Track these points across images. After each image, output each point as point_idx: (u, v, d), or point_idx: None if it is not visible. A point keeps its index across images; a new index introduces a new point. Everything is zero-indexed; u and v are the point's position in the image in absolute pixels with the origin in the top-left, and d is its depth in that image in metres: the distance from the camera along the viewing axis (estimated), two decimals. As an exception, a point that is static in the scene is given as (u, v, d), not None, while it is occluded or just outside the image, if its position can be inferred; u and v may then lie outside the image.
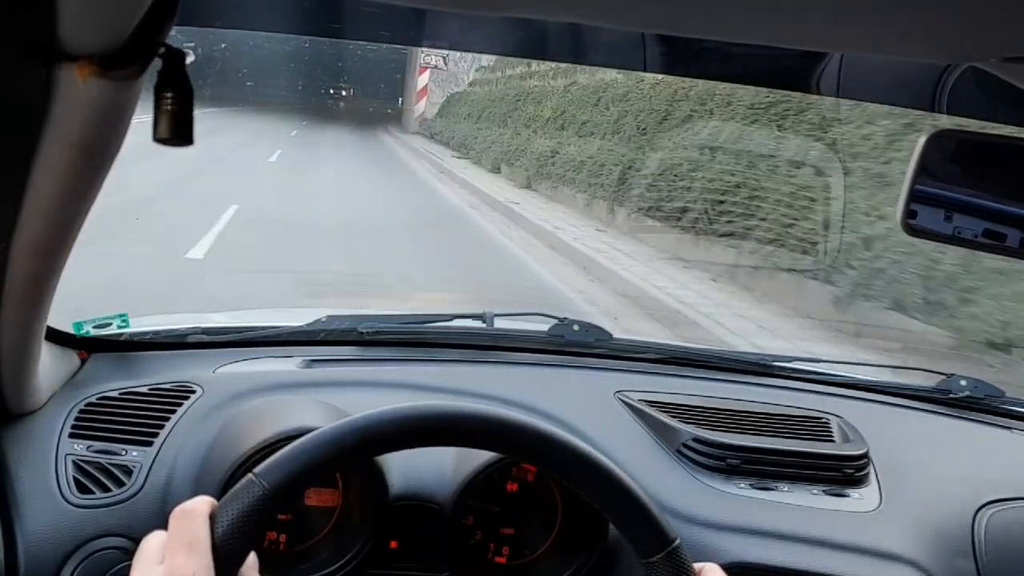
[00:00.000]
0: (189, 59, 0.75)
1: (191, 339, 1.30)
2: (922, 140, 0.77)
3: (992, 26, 0.50)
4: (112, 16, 0.64)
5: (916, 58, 0.72)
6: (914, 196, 0.76)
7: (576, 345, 1.41)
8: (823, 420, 1.27)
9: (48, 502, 0.95)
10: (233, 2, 0.98)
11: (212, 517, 0.63)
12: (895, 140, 5.65)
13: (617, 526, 0.75)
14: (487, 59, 20.60)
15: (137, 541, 0.93)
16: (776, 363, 1.45)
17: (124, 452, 1.01)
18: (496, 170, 14.53)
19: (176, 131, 0.70)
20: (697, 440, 1.17)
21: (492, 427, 0.73)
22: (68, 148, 0.72)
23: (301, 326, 1.36)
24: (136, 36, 0.67)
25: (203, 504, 0.64)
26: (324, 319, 1.37)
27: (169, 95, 0.70)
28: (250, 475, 0.66)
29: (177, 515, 0.63)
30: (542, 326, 1.44)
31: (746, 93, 7.51)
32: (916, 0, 0.47)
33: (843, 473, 1.17)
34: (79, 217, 0.83)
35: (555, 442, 0.73)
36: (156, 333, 1.29)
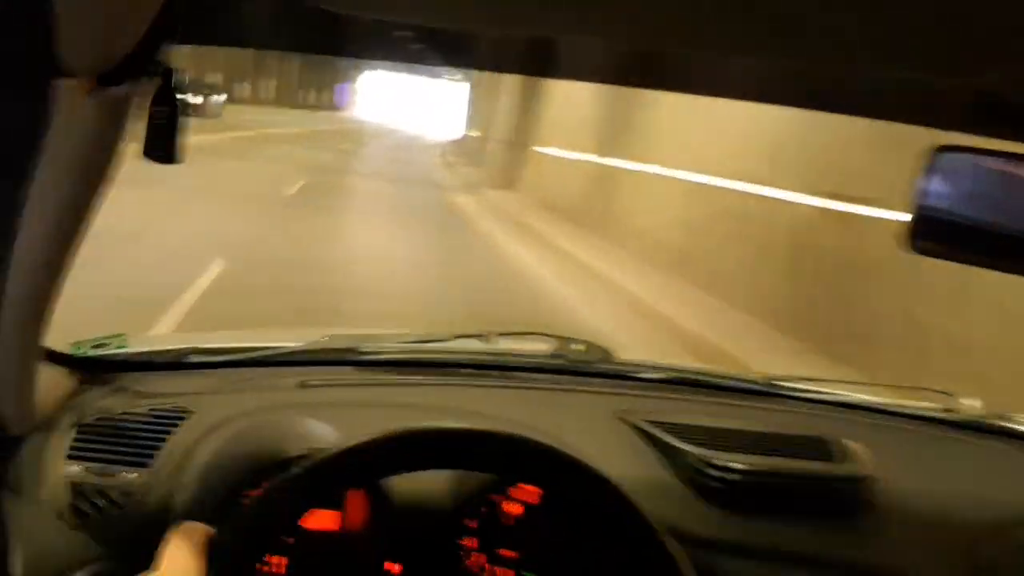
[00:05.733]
0: (179, 76, 0.75)
1: (189, 359, 1.28)
2: (928, 156, 0.76)
3: (996, 42, 0.50)
4: (111, 34, 0.64)
5: (918, 74, 0.72)
6: (920, 213, 0.75)
7: (578, 365, 1.40)
8: (825, 441, 1.26)
9: (45, 525, 0.94)
10: (231, 21, 0.98)
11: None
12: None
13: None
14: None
15: (133, 564, 0.92)
16: (778, 383, 1.44)
17: (121, 474, 1.00)
18: None
19: (165, 147, 0.71)
20: (700, 462, 1.15)
21: (564, 467, 0.73)
22: (65, 164, 0.72)
23: (300, 346, 1.35)
24: (134, 54, 0.67)
25: (200, 531, 0.64)
26: (323, 339, 1.36)
27: (161, 111, 0.70)
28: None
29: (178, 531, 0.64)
30: (543, 346, 1.43)
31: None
32: (918, 15, 0.46)
33: (845, 494, 1.16)
34: (77, 235, 0.82)
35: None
36: (153, 353, 1.28)
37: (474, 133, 27.86)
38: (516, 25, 0.61)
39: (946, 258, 0.75)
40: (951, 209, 0.75)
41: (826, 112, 1.18)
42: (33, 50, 0.62)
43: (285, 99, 47.74)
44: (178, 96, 0.74)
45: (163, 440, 1.05)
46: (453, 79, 59.07)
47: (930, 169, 0.74)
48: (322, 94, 61.25)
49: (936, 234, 0.75)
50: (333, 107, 63.82)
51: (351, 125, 45.82)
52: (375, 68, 69.22)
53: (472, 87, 34.82)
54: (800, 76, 0.99)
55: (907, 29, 0.49)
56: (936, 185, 0.74)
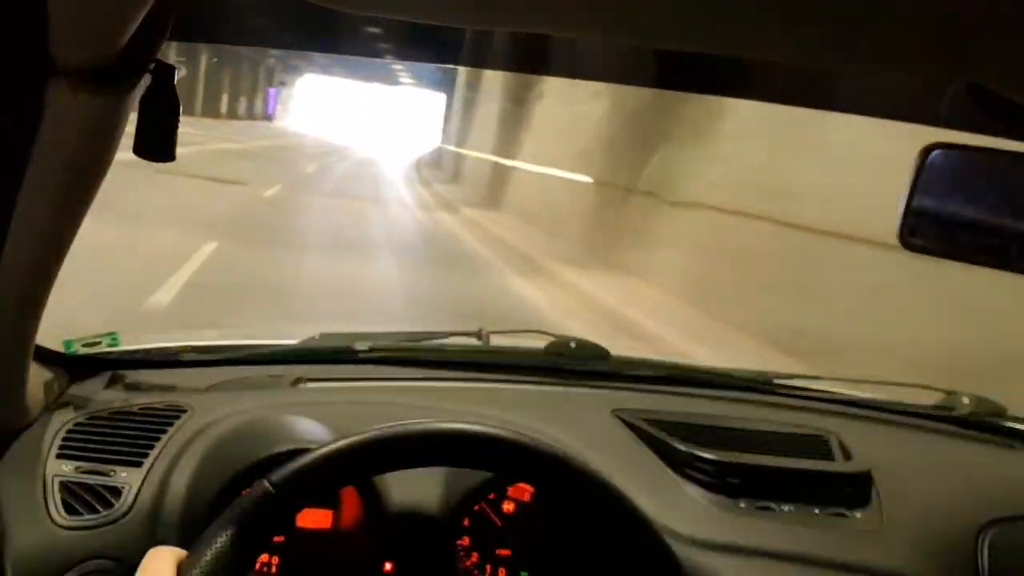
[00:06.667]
0: (179, 74, 0.74)
1: (182, 357, 1.28)
2: (919, 155, 0.76)
3: (990, 39, 0.49)
4: (104, 32, 0.64)
5: (914, 72, 0.72)
6: (912, 212, 0.75)
7: (573, 363, 1.40)
8: (823, 438, 1.26)
9: (36, 524, 0.94)
10: (225, 18, 0.98)
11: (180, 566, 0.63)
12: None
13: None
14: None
15: (125, 563, 0.93)
16: (776, 380, 1.44)
17: (113, 473, 1.00)
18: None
19: (159, 146, 0.70)
20: (697, 459, 1.15)
21: (530, 456, 0.73)
22: (58, 163, 0.72)
23: (294, 344, 1.35)
24: (128, 52, 0.66)
25: (171, 557, 0.64)
26: (317, 336, 1.36)
27: (155, 109, 0.70)
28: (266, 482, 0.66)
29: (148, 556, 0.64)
30: (538, 343, 1.43)
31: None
32: (914, 13, 0.46)
33: (844, 492, 1.15)
34: (69, 234, 0.82)
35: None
36: (146, 351, 1.28)
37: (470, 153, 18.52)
38: (518, 24, 0.61)
39: (938, 255, 0.74)
40: (942, 207, 0.75)
41: (824, 111, 1.18)
42: (27, 49, 0.62)
43: (193, 106, 34.39)
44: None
45: (156, 439, 1.04)
46: (415, 84, 45.30)
47: (921, 167, 0.74)
48: (240, 101, 42.99)
49: (927, 232, 0.74)
50: (262, 117, 46.89)
51: (285, 141, 32.12)
52: (318, 71, 52.52)
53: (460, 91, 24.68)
54: (795, 76, 0.99)
55: (898, 25, 0.49)
56: (927, 183, 0.74)
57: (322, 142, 37.81)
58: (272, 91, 49.60)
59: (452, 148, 24.04)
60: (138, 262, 5.71)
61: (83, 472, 0.99)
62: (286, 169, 17.52)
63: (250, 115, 43.17)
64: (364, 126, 63.09)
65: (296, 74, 55.53)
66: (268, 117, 47.04)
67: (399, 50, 1.14)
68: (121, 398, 1.13)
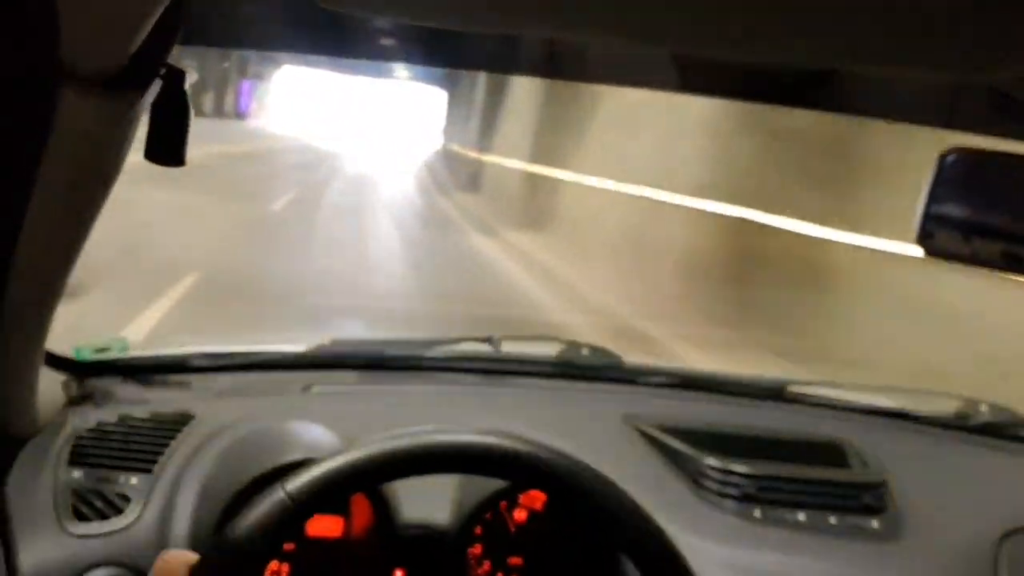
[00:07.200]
0: (191, 78, 0.74)
1: (191, 364, 1.28)
2: (937, 159, 0.75)
3: (1009, 42, 0.48)
4: (115, 38, 0.64)
5: (931, 75, 0.71)
6: (930, 216, 0.74)
7: (586, 369, 1.39)
8: (839, 446, 1.24)
9: (46, 531, 0.94)
10: (236, 22, 0.98)
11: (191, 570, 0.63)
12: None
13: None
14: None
15: (135, 570, 0.92)
16: (791, 387, 1.42)
17: (123, 480, 1.00)
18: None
19: (170, 151, 0.70)
20: (711, 468, 1.14)
21: (545, 467, 0.72)
22: (69, 169, 0.72)
23: (303, 350, 1.35)
24: (139, 57, 0.66)
25: (182, 561, 0.64)
26: (327, 343, 1.36)
27: (167, 114, 0.70)
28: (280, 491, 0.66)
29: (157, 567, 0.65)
30: (550, 350, 1.42)
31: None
32: (931, 16, 0.45)
33: (861, 501, 1.14)
34: (79, 240, 0.82)
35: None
36: (156, 358, 1.28)
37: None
38: (522, 26, 0.61)
39: (956, 260, 0.73)
40: (961, 212, 0.74)
41: (840, 114, 1.16)
42: (37, 56, 0.62)
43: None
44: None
45: (165, 445, 1.04)
46: (409, 78, 37.60)
47: (940, 171, 0.73)
48: (207, 95, 33.11)
49: (945, 236, 0.73)
50: (234, 115, 37.54)
51: (256, 146, 24.29)
52: (299, 62, 41.11)
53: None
54: (812, 77, 0.98)
55: (919, 28, 0.48)
56: (944, 186, 0.73)
57: (304, 147, 29.91)
58: (246, 84, 40.02)
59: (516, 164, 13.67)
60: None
61: (93, 479, 0.99)
62: (239, 207, 9.87)
63: (219, 112, 34.82)
64: (355, 125, 55.64)
65: (274, 65, 44.56)
66: (240, 114, 38.73)
67: (403, 51, 1.13)
68: (131, 404, 1.13)
